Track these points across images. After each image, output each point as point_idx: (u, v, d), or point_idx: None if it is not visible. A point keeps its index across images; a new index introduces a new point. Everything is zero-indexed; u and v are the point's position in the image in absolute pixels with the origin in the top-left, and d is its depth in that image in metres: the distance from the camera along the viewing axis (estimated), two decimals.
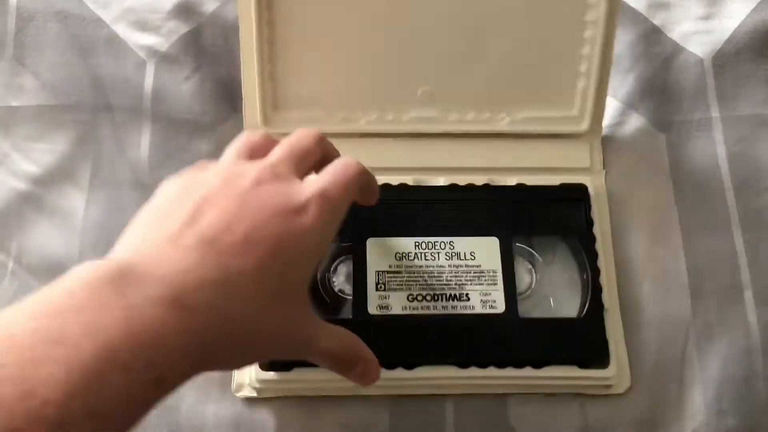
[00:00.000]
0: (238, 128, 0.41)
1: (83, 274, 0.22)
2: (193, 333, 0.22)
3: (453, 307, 0.35)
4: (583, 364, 0.35)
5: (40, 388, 0.18)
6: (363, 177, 0.30)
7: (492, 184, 0.38)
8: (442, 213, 0.37)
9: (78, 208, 0.39)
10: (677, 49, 0.43)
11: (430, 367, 0.34)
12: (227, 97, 0.42)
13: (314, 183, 0.28)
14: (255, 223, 0.25)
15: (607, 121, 0.41)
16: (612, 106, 0.42)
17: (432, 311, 0.35)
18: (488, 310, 0.35)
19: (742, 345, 0.37)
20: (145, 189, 0.40)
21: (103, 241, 0.38)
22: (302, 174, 0.29)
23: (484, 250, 0.36)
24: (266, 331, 0.26)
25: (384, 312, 0.35)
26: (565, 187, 0.38)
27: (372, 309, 0.35)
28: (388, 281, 0.35)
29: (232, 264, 0.24)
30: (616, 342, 0.36)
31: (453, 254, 0.36)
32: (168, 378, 0.22)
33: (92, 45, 0.43)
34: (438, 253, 0.36)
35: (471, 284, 0.35)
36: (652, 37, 0.44)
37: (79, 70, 0.42)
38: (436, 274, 0.36)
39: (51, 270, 0.38)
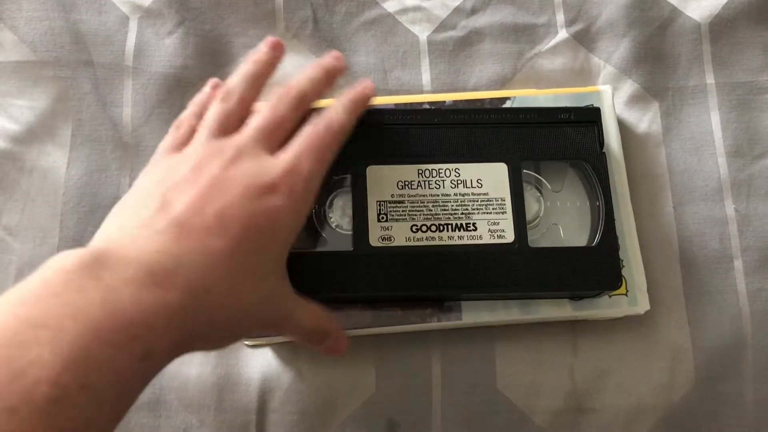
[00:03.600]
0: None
1: (57, 262, 0.23)
2: (171, 309, 0.23)
3: (459, 238, 0.33)
4: (596, 293, 0.34)
5: (29, 369, 0.19)
6: (338, 135, 0.30)
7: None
8: (446, 137, 0.34)
9: (59, 166, 0.38)
10: (675, 13, 0.42)
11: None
12: (211, 52, 0.41)
13: (284, 158, 0.28)
14: (225, 205, 0.26)
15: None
16: (605, 72, 0.41)
17: (437, 242, 0.33)
18: (497, 240, 0.33)
19: (732, 312, 0.37)
20: (127, 148, 0.39)
21: (85, 200, 0.38)
22: (275, 146, 0.29)
23: (492, 177, 0.34)
24: (244, 308, 0.26)
25: (386, 244, 0.33)
26: (577, 110, 0.36)
27: (374, 241, 0.33)
28: (390, 211, 0.33)
29: (205, 244, 0.25)
30: (636, 266, 0.36)
31: (459, 182, 0.34)
32: (154, 352, 0.23)
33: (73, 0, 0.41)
34: (443, 180, 0.34)
35: (478, 213, 0.34)
36: (648, 0, 0.43)
37: (59, 25, 0.40)
38: (441, 203, 0.34)
39: (31, 230, 0.37)
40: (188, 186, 0.27)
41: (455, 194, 0.34)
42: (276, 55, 0.32)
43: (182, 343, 0.24)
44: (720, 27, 0.42)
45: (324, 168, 0.29)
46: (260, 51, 0.32)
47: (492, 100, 0.38)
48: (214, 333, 0.26)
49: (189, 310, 0.24)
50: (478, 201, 0.34)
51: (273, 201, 0.27)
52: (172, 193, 0.26)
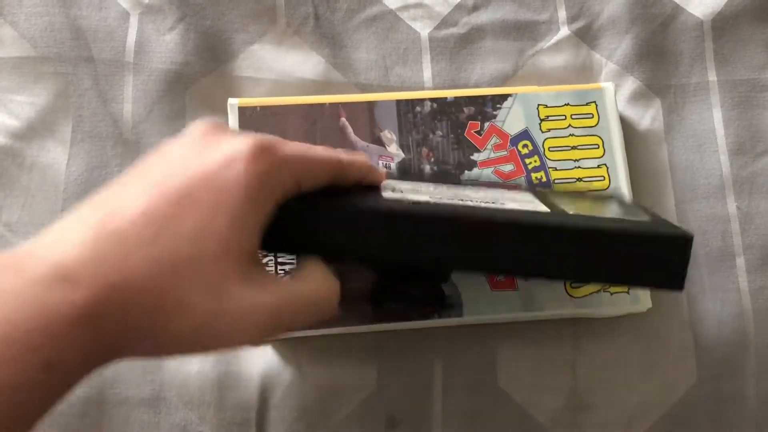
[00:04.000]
0: (222, 80, 0.40)
1: None
2: (78, 310, 0.20)
3: (492, 204, 0.28)
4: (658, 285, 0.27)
5: None
6: (338, 163, 0.27)
7: None
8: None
9: (60, 163, 0.38)
10: (677, 10, 0.42)
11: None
12: (211, 48, 0.40)
13: (262, 137, 0.24)
14: (158, 180, 0.23)
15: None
16: (607, 69, 0.41)
17: (467, 203, 0.27)
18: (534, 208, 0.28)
19: (734, 310, 0.37)
20: (127, 144, 0.39)
21: (85, 196, 0.37)
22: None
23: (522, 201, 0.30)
24: (180, 302, 0.22)
25: (401, 197, 0.27)
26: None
27: (386, 193, 0.28)
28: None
29: (125, 228, 0.21)
30: None
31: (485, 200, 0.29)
32: (59, 362, 0.20)
33: None
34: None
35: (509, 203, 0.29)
36: None
37: (59, 21, 0.40)
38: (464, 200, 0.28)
39: (32, 226, 0.37)
40: (135, 173, 0.24)
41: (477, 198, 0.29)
42: (369, 176, 0.29)
43: (100, 349, 0.21)
44: (722, 24, 0.42)
45: (305, 179, 0.25)
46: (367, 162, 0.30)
47: (493, 96, 0.37)
48: (143, 337, 0.22)
49: (101, 309, 0.20)
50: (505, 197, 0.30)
51: (224, 175, 0.22)
52: (120, 182, 0.24)
